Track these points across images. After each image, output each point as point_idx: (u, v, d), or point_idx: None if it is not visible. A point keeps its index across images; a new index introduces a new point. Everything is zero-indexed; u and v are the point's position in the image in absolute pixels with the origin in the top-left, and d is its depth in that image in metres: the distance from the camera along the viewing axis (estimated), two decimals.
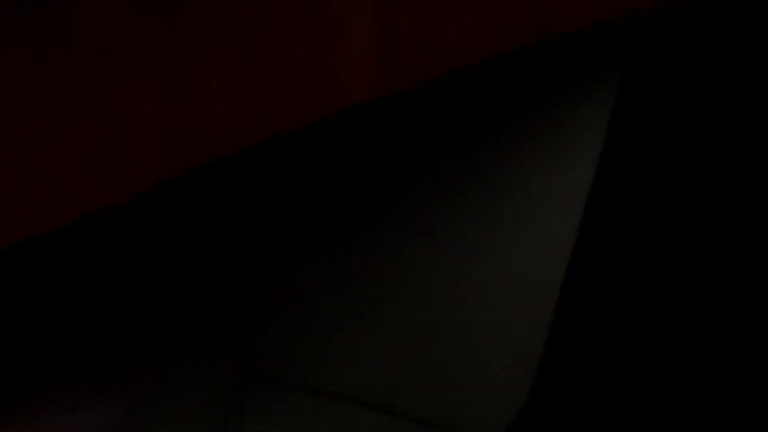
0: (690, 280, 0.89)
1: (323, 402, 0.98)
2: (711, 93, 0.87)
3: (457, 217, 0.89)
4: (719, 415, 0.79)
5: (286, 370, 1.11)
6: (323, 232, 0.95)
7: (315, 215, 0.94)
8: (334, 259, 0.98)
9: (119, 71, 0.49)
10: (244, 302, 1.09)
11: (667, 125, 0.89)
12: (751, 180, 0.86)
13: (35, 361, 0.80)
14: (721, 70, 0.86)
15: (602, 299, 0.89)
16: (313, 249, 0.97)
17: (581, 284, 0.89)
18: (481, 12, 0.63)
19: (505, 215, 0.85)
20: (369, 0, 0.57)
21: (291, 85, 0.58)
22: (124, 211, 0.55)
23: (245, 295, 1.08)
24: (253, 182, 0.76)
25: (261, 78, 0.56)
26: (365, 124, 0.72)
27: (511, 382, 0.91)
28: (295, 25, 0.55)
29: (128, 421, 0.79)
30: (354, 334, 1.02)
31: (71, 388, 0.80)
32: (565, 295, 0.89)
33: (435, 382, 1.01)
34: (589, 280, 0.90)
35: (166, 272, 0.89)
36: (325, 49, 0.57)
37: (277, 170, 0.78)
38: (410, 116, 0.87)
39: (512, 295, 0.88)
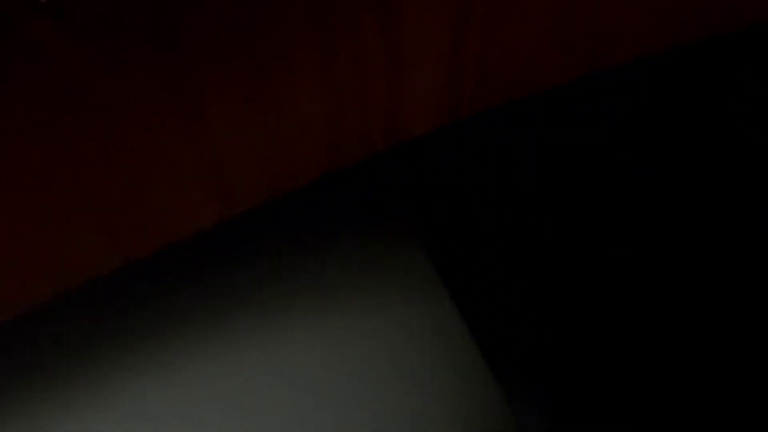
0: (690, 280, 0.89)
1: None
2: (711, 93, 0.87)
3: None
4: (719, 415, 0.79)
5: None
6: None
7: None
8: None
9: (226, 106, 0.54)
10: None
11: (667, 125, 0.89)
12: (751, 180, 0.86)
13: None
14: (722, 70, 0.86)
15: (602, 299, 0.89)
16: None
17: (581, 285, 0.90)
18: (540, 49, 0.64)
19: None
20: (440, 42, 0.59)
21: (365, 119, 0.60)
22: None
23: None
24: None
25: (340, 113, 0.59)
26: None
27: None
28: (373, 67, 0.58)
29: None
30: None
31: None
32: (565, 294, 0.89)
33: None
34: (589, 281, 0.90)
35: None
36: (399, 87, 0.60)
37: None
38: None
39: None
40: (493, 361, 0.85)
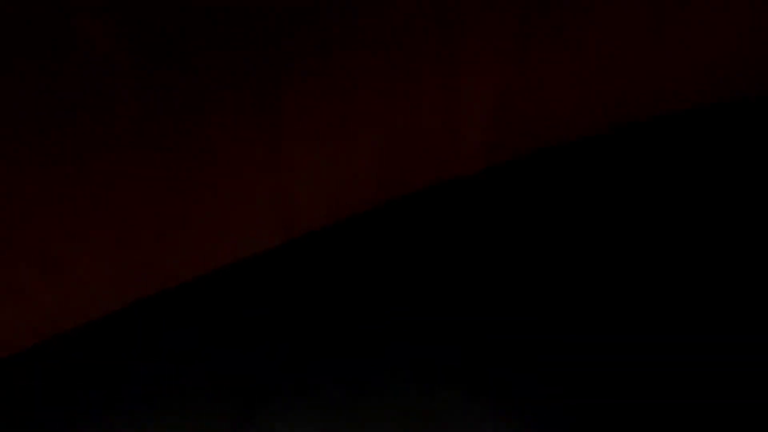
0: (689, 280, 0.90)
1: None
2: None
3: None
4: (719, 416, 0.80)
5: None
6: None
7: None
8: None
9: (301, 146, 0.59)
10: None
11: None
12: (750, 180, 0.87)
13: None
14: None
15: (601, 298, 0.89)
16: None
17: (580, 282, 0.90)
18: (582, 97, 0.68)
19: None
20: (490, 84, 0.63)
21: (421, 151, 0.64)
22: None
23: None
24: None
25: (398, 152, 0.64)
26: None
27: None
28: (431, 113, 0.62)
29: None
30: None
31: None
32: (564, 293, 0.89)
33: None
34: (588, 279, 0.90)
35: None
36: (453, 122, 0.63)
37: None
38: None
39: None
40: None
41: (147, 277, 0.64)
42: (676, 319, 0.88)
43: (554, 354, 0.86)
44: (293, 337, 0.84)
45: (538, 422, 0.80)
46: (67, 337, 0.78)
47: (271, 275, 0.80)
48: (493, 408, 0.81)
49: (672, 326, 0.88)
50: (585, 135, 0.73)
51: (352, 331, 0.86)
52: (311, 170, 0.61)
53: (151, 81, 0.51)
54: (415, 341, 0.87)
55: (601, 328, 0.88)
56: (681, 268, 0.91)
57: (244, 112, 0.56)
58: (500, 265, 0.89)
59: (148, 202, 0.58)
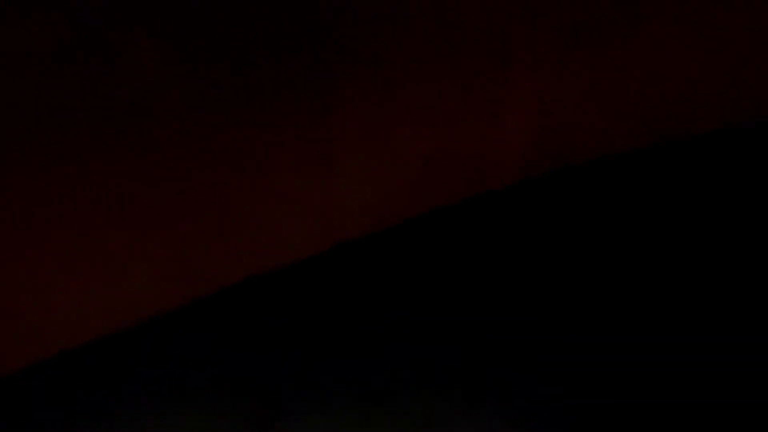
0: (689, 280, 0.90)
1: None
2: None
3: None
4: (719, 416, 0.80)
5: None
6: None
7: None
8: None
9: (350, 157, 0.60)
10: None
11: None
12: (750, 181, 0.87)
13: None
14: None
15: (602, 298, 0.89)
16: None
17: (580, 282, 0.90)
18: (616, 118, 0.69)
19: None
20: (533, 99, 0.65)
21: (462, 164, 0.66)
22: None
23: None
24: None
25: (439, 162, 0.65)
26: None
27: None
28: (476, 117, 0.63)
29: None
30: None
31: None
32: (564, 293, 0.89)
33: None
34: (588, 279, 0.90)
35: None
36: (494, 136, 0.65)
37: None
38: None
39: None
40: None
41: (193, 281, 0.65)
42: (677, 319, 0.88)
43: (554, 354, 0.86)
44: (308, 342, 0.84)
45: (538, 422, 0.80)
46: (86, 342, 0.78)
47: (303, 282, 0.81)
48: (494, 408, 0.81)
49: (672, 326, 0.88)
50: (620, 152, 0.74)
51: (359, 334, 0.86)
52: (358, 179, 0.62)
53: (201, 92, 0.52)
54: (417, 342, 0.87)
55: (601, 328, 0.88)
56: (682, 269, 0.91)
57: (295, 125, 0.58)
58: (504, 267, 0.89)
59: (199, 207, 0.59)
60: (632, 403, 0.81)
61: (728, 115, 0.75)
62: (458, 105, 0.63)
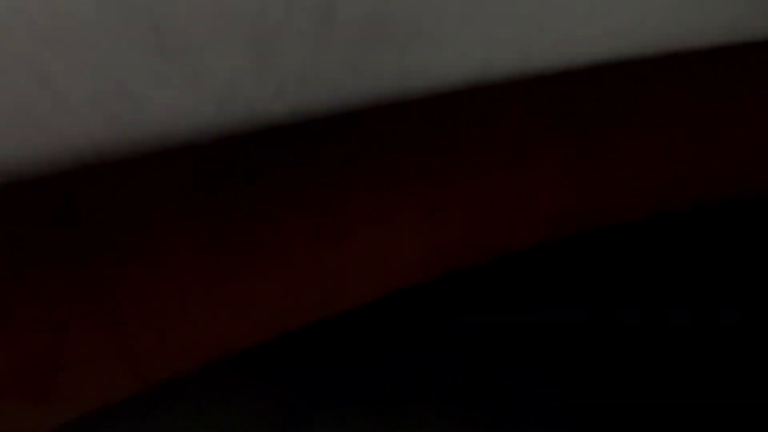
0: (690, 280, 0.90)
1: None
2: None
3: None
4: (719, 416, 0.80)
5: None
6: None
7: None
8: None
9: (406, 206, 0.63)
10: None
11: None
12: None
13: None
14: None
15: (602, 298, 0.89)
16: None
17: (580, 282, 0.90)
18: (639, 184, 0.71)
19: None
20: (560, 159, 0.67)
21: (489, 226, 0.67)
22: None
23: None
24: None
25: (477, 221, 0.67)
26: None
27: None
28: (504, 173, 0.65)
29: None
30: None
31: None
32: (564, 294, 0.89)
33: None
34: (590, 278, 0.90)
35: None
36: (522, 193, 0.66)
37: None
38: None
39: None
40: None
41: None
42: (677, 319, 0.88)
43: (554, 354, 0.86)
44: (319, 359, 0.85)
45: (538, 422, 0.80)
46: None
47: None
48: (494, 408, 0.81)
49: (672, 326, 0.88)
50: (637, 219, 0.76)
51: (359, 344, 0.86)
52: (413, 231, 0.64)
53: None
54: (416, 346, 0.87)
55: (602, 328, 0.88)
56: (683, 269, 0.91)
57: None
58: (505, 265, 0.89)
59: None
60: (632, 403, 0.82)
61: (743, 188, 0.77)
62: (491, 181, 0.67)
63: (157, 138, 0.45)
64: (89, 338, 0.52)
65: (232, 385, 0.82)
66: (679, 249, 0.90)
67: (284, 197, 0.56)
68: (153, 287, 0.52)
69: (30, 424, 0.51)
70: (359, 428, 0.77)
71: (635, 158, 0.66)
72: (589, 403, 0.82)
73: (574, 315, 0.88)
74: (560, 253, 0.88)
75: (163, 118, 0.44)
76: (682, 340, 0.85)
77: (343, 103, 0.51)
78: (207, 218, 0.53)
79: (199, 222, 0.53)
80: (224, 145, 0.51)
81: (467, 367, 0.85)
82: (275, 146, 0.55)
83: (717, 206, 0.92)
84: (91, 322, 0.51)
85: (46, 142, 0.40)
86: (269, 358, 0.82)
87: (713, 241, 0.91)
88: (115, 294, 0.50)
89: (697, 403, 0.81)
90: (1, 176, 0.42)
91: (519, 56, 0.57)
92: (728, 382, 0.82)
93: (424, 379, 0.83)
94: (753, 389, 0.81)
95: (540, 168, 0.63)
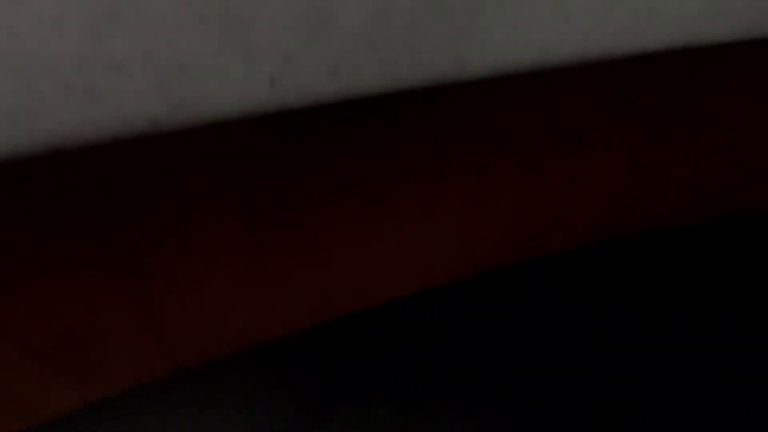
0: (690, 281, 0.88)
1: None
2: None
3: None
4: (719, 416, 0.79)
5: None
6: None
7: None
8: None
9: (418, 220, 0.62)
10: None
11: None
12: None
13: None
14: None
15: (603, 299, 0.88)
16: None
17: (581, 283, 0.89)
18: (689, 189, 0.68)
19: None
20: (608, 171, 0.65)
21: (538, 226, 0.66)
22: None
23: None
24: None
25: (521, 219, 0.66)
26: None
27: None
28: (555, 183, 0.64)
29: None
30: None
31: None
32: (565, 293, 0.88)
33: None
34: (590, 279, 0.89)
35: None
36: (569, 201, 0.64)
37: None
38: None
39: None
40: None
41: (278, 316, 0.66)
42: (677, 319, 0.87)
43: (554, 354, 0.86)
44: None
45: (539, 422, 0.80)
46: None
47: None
48: (494, 408, 0.81)
49: (672, 326, 0.86)
50: (683, 226, 0.74)
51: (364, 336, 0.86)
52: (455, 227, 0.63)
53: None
54: (419, 344, 0.87)
55: (602, 328, 0.87)
56: (684, 270, 0.89)
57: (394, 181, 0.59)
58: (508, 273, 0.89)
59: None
60: (632, 403, 0.81)
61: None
62: (540, 178, 0.65)
63: (209, 111, 0.44)
64: (122, 318, 0.51)
65: (253, 376, 0.82)
66: (679, 250, 0.89)
67: (322, 185, 0.55)
68: (188, 273, 0.51)
69: (70, 398, 0.52)
70: (377, 420, 0.77)
71: (707, 155, 0.63)
72: (589, 400, 0.81)
73: (574, 315, 0.87)
74: (565, 256, 0.87)
75: (214, 90, 0.42)
76: (682, 340, 0.85)
77: (398, 84, 0.49)
78: (244, 207, 0.52)
79: (236, 210, 0.52)
80: (264, 132, 0.50)
81: (482, 363, 0.84)
82: (313, 132, 0.54)
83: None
84: (126, 302, 0.50)
85: (101, 112, 0.40)
86: (290, 350, 0.82)
87: (714, 242, 0.90)
88: (150, 277, 0.50)
89: (696, 404, 0.80)
90: (47, 148, 0.41)
91: (583, 37, 0.54)
92: (728, 382, 0.81)
93: (442, 373, 0.83)
94: (753, 389, 0.80)
95: (600, 163, 0.61)
